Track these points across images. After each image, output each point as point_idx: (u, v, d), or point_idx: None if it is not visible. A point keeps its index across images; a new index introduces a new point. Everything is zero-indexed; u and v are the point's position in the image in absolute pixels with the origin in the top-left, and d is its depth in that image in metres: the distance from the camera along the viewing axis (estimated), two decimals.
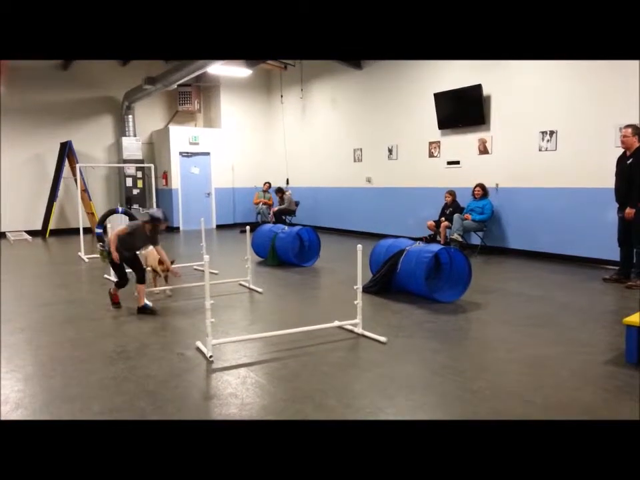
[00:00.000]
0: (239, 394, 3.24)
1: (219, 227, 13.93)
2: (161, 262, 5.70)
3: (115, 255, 4.99)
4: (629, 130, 6.18)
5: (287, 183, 13.71)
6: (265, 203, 13.06)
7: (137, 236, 5.18)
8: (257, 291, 6.07)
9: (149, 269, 5.96)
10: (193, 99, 14.03)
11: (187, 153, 13.64)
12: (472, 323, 4.95)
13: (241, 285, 6.39)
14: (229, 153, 14.16)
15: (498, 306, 5.44)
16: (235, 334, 4.36)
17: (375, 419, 2.91)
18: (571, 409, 3.03)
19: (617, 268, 6.61)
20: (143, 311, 5.16)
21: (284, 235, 7.80)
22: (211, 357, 3.81)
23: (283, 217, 12.40)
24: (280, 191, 12.65)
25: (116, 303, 5.39)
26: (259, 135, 14.54)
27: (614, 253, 6.68)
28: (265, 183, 13.48)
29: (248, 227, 6.50)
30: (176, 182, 13.55)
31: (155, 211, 5.29)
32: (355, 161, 11.91)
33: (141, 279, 5.23)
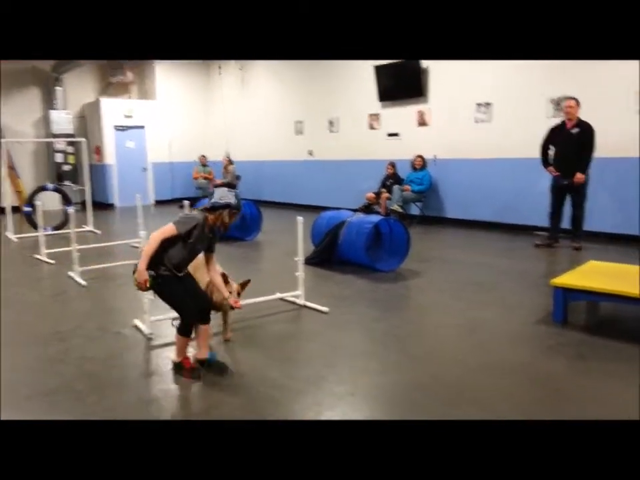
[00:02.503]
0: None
1: (158, 202, 13.55)
2: (225, 284, 3.30)
3: (143, 279, 2.87)
4: (573, 102, 6.45)
5: (227, 156, 13.45)
6: (205, 178, 12.78)
7: (199, 240, 3.02)
8: None
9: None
10: (126, 70, 13.43)
11: (122, 126, 13.10)
12: (411, 290, 5.08)
13: None
14: (165, 126, 13.71)
15: (436, 273, 5.60)
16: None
17: (335, 420, 2.94)
18: (504, 368, 3.18)
19: (547, 234, 6.93)
20: (208, 367, 3.16)
21: None
22: (150, 334, 3.73)
23: None
24: (230, 162, 12.38)
25: (193, 370, 3.13)
26: (197, 108, 14.14)
27: (545, 220, 7.00)
28: (201, 156, 13.12)
29: (187, 202, 6.35)
30: (110, 157, 13.02)
31: (223, 192, 3.05)
32: (296, 133, 11.82)
33: (205, 317, 3.15)
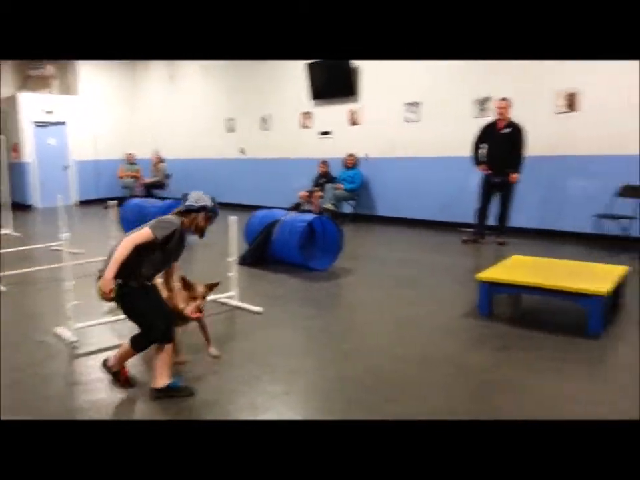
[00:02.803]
0: (106, 378, 3.07)
1: (82, 202, 12.96)
2: (187, 289, 3.03)
3: (108, 288, 2.63)
4: (505, 102, 6.73)
5: (157, 154, 13.07)
6: (132, 176, 12.35)
7: (176, 247, 2.84)
8: None
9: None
10: (46, 64, 12.73)
11: (42, 122, 12.42)
12: (344, 288, 5.14)
13: None
14: (89, 123, 13.12)
15: (368, 271, 5.69)
16: (101, 316, 4.10)
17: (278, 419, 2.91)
18: (434, 361, 3.28)
19: (473, 230, 7.21)
20: (168, 393, 2.81)
21: (155, 210, 7.46)
22: (74, 341, 3.56)
23: (153, 191, 11.82)
24: (161, 160, 11.99)
25: (128, 380, 2.96)
26: (123, 103, 13.61)
27: (471, 217, 7.27)
28: (127, 153, 12.67)
29: (114, 202, 6.11)
30: (29, 154, 12.32)
31: (199, 194, 2.91)
32: (227, 131, 11.65)
33: (171, 335, 2.84)
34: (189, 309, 2.96)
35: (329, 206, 8.76)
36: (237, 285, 4.38)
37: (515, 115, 6.78)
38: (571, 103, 6.98)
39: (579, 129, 6.95)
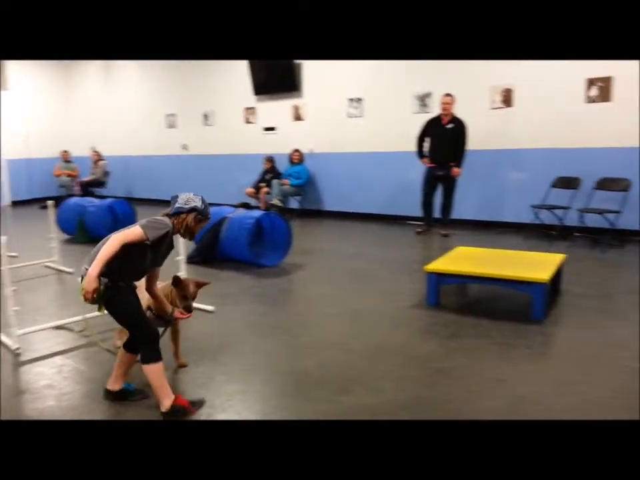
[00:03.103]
0: (55, 384, 2.96)
1: (15, 203, 12.34)
2: (179, 287, 2.89)
3: (92, 287, 2.43)
4: (449, 98, 6.90)
5: (94, 151, 12.60)
6: (68, 175, 11.87)
7: (165, 250, 2.72)
8: (67, 272, 5.55)
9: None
10: None
11: None
12: (295, 283, 5.15)
13: (47, 266, 5.76)
14: (20, 119, 12.48)
15: (318, 265, 5.73)
16: (44, 321, 3.93)
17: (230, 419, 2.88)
18: (386, 352, 3.35)
19: (421, 223, 7.39)
20: (121, 395, 2.79)
21: (94, 209, 7.23)
22: (17, 349, 3.40)
23: (91, 189, 11.40)
24: (101, 158, 11.55)
25: (189, 407, 2.65)
26: (57, 100, 13.01)
27: (416, 210, 7.45)
28: (63, 151, 12.16)
29: (51, 202, 5.85)
30: None
31: (188, 195, 2.67)
32: (168, 127, 11.38)
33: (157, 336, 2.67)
34: (177, 310, 2.81)
35: (275, 202, 8.73)
36: None
37: (455, 110, 6.99)
38: (507, 98, 7.26)
39: (515, 123, 7.24)
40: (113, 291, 2.51)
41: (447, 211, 7.17)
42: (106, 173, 11.62)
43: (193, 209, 2.63)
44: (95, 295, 2.44)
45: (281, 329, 3.84)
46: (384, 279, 5.09)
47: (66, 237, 7.38)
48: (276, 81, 9.28)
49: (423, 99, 7.88)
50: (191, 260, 5.50)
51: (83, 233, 7.18)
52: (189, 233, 2.67)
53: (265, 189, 9.00)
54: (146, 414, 2.63)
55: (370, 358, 3.27)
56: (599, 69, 6.46)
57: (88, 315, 3.56)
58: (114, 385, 2.77)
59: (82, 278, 2.51)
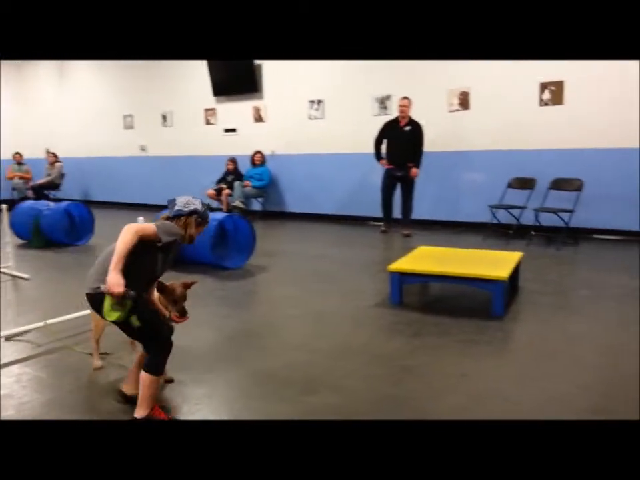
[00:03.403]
0: (14, 394, 2.87)
1: None
2: (165, 292, 2.67)
3: (120, 281, 2.25)
4: (407, 101, 7.02)
5: (50, 152, 12.23)
6: (22, 177, 11.48)
7: (170, 255, 2.59)
8: (23, 278, 5.37)
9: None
10: None
11: None
12: (259, 285, 5.14)
13: (2, 272, 5.57)
14: None
15: (282, 267, 5.73)
16: (2, 329, 3.81)
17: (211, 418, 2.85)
18: (350, 351, 3.38)
19: (382, 223, 7.48)
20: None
21: (50, 212, 7.02)
22: None
23: (45, 192, 11.05)
24: (57, 159, 11.19)
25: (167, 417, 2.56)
26: (8, 100, 12.57)
27: (377, 210, 7.54)
28: (15, 153, 11.76)
29: (4, 206, 5.65)
30: None
31: (187, 198, 2.60)
32: (125, 128, 11.16)
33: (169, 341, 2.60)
34: (174, 314, 2.65)
35: (237, 204, 8.68)
36: None
37: (413, 113, 7.11)
38: (464, 101, 7.43)
39: (471, 125, 7.42)
40: (138, 300, 2.35)
41: (408, 211, 7.29)
42: (62, 175, 11.30)
43: (194, 212, 2.56)
44: (122, 296, 2.25)
45: (245, 331, 3.83)
46: (347, 280, 5.13)
47: (20, 241, 7.15)
48: (236, 81, 9.23)
49: (383, 102, 7.99)
50: None
51: (38, 237, 6.97)
52: (189, 237, 2.57)
53: (227, 191, 8.93)
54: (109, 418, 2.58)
55: (335, 357, 3.30)
56: (551, 73, 6.70)
57: (49, 321, 3.46)
58: (132, 390, 2.65)
59: (92, 296, 2.39)
